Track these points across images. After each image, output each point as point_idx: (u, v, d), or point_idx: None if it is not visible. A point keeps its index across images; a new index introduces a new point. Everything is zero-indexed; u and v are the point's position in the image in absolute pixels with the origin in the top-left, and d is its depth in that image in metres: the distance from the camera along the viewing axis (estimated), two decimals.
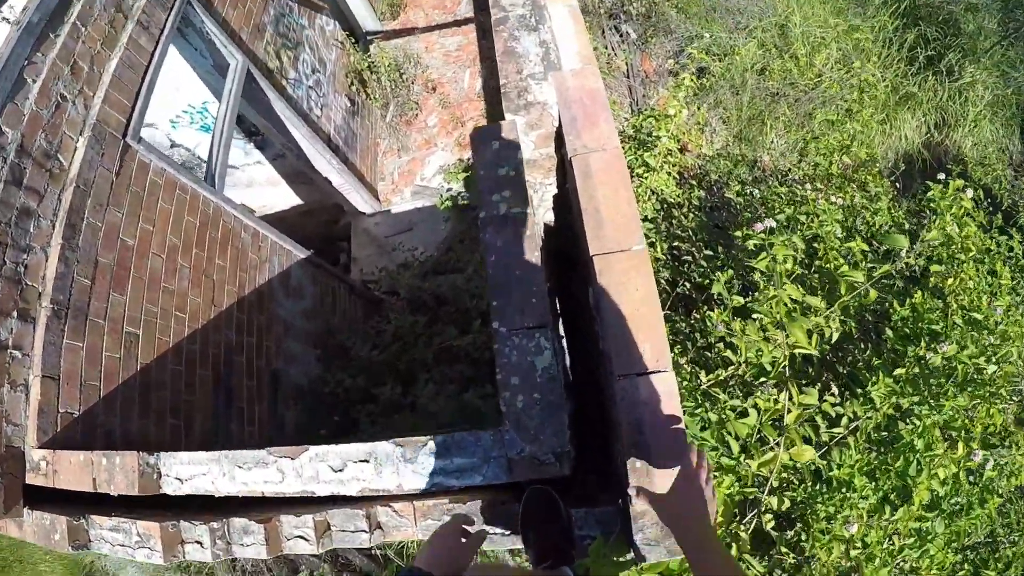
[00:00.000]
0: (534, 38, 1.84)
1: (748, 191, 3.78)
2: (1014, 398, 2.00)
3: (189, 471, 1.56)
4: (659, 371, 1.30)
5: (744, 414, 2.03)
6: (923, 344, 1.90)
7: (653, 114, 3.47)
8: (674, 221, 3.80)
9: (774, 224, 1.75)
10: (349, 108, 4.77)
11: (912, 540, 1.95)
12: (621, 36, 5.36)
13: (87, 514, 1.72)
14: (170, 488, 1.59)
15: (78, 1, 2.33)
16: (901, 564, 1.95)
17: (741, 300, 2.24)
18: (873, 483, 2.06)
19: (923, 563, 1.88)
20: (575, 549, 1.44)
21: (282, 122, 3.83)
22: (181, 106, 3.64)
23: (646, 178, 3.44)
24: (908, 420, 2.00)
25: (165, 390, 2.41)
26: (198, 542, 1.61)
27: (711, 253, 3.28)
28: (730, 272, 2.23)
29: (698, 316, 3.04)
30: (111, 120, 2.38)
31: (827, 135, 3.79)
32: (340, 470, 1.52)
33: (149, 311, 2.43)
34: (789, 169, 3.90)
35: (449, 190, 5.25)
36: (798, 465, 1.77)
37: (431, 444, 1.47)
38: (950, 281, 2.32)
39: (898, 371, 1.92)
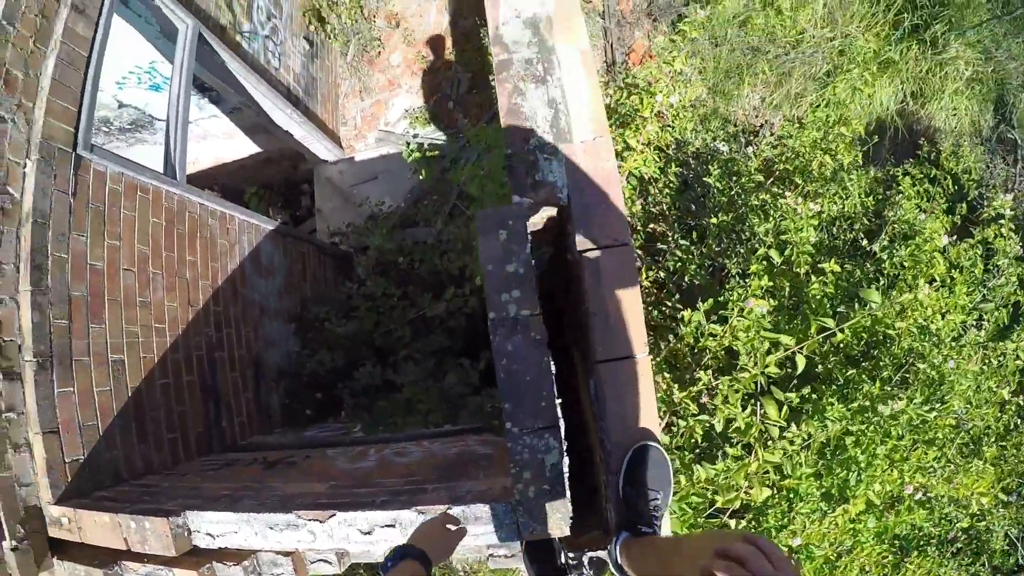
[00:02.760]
0: (542, 94, 1.73)
1: (727, 182, 3.74)
2: (951, 439, 2.31)
3: (220, 529, 1.67)
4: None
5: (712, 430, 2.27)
6: (878, 387, 2.13)
7: (639, 92, 3.34)
8: (649, 198, 3.80)
9: (765, 310, 1.85)
10: (307, 51, 4.33)
11: (848, 532, 2.32)
12: None
13: (120, 560, 1.82)
14: (202, 543, 1.71)
15: None
16: (836, 552, 2.34)
17: (719, 330, 2.38)
18: (817, 481, 2.40)
19: (856, 551, 2.27)
20: None
21: (238, 81, 3.48)
22: (128, 67, 3.23)
23: (626, 158, 3.39)
24: (855, 438, 2.29)
25: (158, 409, 2.43)
26: None
27: (686, 243, 3.37)
28: (711, 302, 2.34)
29: (669, 305, 3.20)
30: (57, 133, 2.14)
31: (822, 97, 3.75)
32: (368, 532, 1.67)
33: (129, 332, 2.37)
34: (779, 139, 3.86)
35: (416, 136, 5.00)
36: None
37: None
38: (907, 296, 2.51)
39: (853, 404, 2.17)
